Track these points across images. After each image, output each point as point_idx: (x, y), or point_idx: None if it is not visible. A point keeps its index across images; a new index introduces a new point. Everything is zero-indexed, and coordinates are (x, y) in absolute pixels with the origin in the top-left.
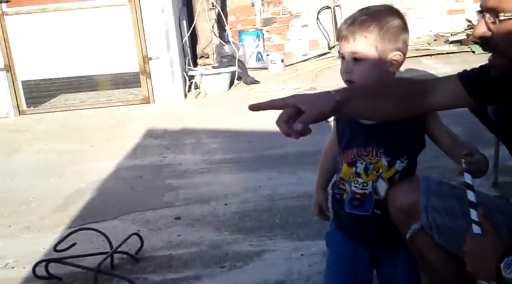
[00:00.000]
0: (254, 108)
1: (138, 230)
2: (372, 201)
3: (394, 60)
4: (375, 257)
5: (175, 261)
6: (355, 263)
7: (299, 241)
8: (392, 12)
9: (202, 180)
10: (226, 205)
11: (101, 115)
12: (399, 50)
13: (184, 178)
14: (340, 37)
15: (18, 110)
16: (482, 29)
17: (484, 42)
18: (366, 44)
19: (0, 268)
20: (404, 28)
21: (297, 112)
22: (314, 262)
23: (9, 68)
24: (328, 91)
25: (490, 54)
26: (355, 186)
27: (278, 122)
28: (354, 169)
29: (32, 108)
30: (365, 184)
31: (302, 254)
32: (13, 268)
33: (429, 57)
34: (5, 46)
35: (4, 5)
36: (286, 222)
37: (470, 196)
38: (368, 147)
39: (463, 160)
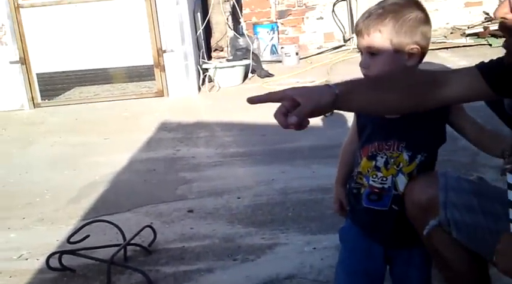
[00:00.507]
0: (252, 101)
1: (151, 223)
2: (391, 196)
3: (412, 53)
4: (388, 254)
5: (187, 253)
6: (368, 259)
7: (312, 235)
8: (412, 4)
9: (215, 173)
10: (239, 198)
11: (115, 108)
12: (417, 43)
13: (197, 171)
14: (356, 31)
15: (33, 103)
16: (504, 10)
17: (504, 25)
18: (381, 38)
19: (14, 259)
20: (424, 21)
21: (294, 105)
22: (326, 255)
23: (24, 61)
24: (328, 84)
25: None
26: (373, 180)
27: (276, 115)
28: (373, 163)
29: (46, 100)
30: (384, 179)
31: (314, 248)
32: (27, 259)
33: (445, 50)
34: (20, 39)
35: None
36: (299, 216)
37: (511, 196)
38: (389, 141)
39: (505, 159)
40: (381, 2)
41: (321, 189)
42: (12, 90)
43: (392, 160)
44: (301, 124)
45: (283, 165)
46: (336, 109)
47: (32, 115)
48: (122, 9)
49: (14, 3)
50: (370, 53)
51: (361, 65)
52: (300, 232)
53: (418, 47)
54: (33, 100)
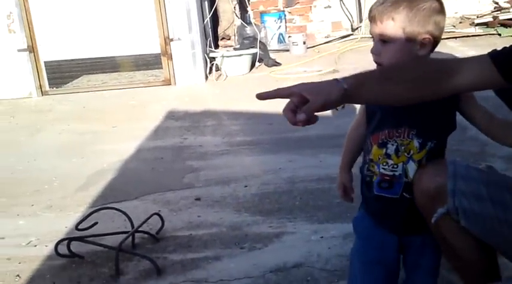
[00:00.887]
0: (261, 96)
1: (159, 211)
2: (402, 183)
3: (424, 42)
4: (402, 242)
5: (195, 241)
6: (382, 249)
7: (319, 224)
8: None
9: (222, 162)
10: (246, 187)
11: (122, 96)
12: (429, 33)
13: (204, 160)
14: (369, 17)
15: (41, 91)
16: None
17: None
18: (393, 26)
19: (23, 246)
20: (438, 10)
21: (303, 101)
22: (334, 244)
23: (32, 49)
24: (337, 79)
25: None
26: (383, 168)
27: (284, 111)
28: (384, 150)
29: (54, 88)
30: (395, 166)
31: (322, 237)
32: (35, 246)
33: (454, 39)
34: (28, 27)
35: None
36: (306, 204)
37: None
38: (400, 128)
39: None
40: None
41: (329, 178)
42: (20, 78)
43: (403, 147)
44: (310, 121)
45: (291, 154)
46: (345, 103)
47: (39, 103)
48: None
49: None
50: (382, 40)
51: (373, 51)
52: (307, 221)
53: (430, 36)
54: (41, 88)
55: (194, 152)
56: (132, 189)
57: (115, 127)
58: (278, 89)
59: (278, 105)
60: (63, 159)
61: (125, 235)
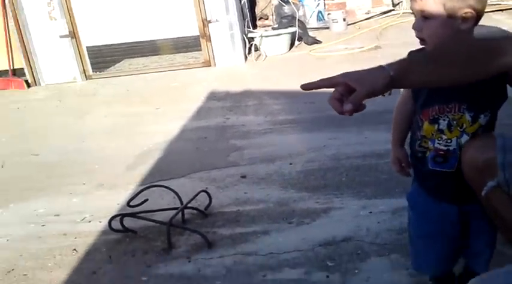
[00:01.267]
0: (306, 87)
1: (206, 188)
2: (456, 157)
3: (465, 17)
4: (462, 212)
5: (243, 217)
6: (441, 220)
7: (367, 199)
8: None
9: (265, 140)
10: (291, 164)
11: (163, 79)
12: (471, 7)
13: (248, 139)
14: None
15: (85, 75)
16: None
17: None
18: (433, 2)
19: (78, 222)
20: None
21: (348, 90)
22: (383, 219)
23: (73, 35)
24: (382, 66)
25: None
26: (438, 143)
27: (330, 101)
28: (436, 126)
29: (97, 72)
30: (449, 141)
31: (370, 212)
32: (90, 222)
33: (500, 12)
34: (69, 13)
35: None
36: (353, 180)
37: None
38: (450, 103)
39: None
40: None
41: (375, 154)
42: (64, 63)
43: (455, 122)
44: (357, 110)
45: (334, 131)
46: (392, 89)
47: (84, 87)
48: None
49: None
50: (423, 16)
51: (414, 27)
52: (355, 197)
53: (472, 10)
54: (84, 72)
55: (237, 131)
56: (179, 167)
57: (158, 109)
58: (322, 80)
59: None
60: (110, 140)
61: (174, 211)
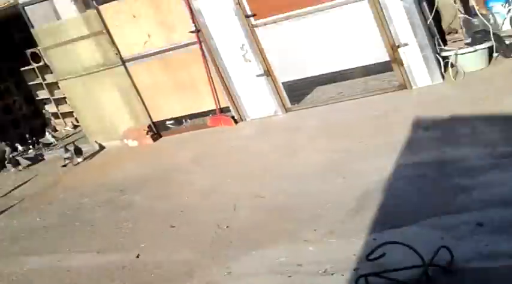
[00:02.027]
0: None
1: (442, 238)
2: None
3: None
4: None
5: (493, 275)
6: None
7: None
8: None
9: (492, 178)
10: None
11: (360, 106)
12: None
13: (472, 177)
14: None
15: (284, 108)
16: None
17: None
18: None
19: (320, 273)
20: None
21: None
22: None
23: (268, 73)
24: None
25: None
26: None
27: None
28: None
29: (295, 104)
30: None
31: None
32: (332, 274)
33: None
34: (261, 54)
35: (252, 18)
36: None
37: None
38: None
39: None
40: None
41: None
42: (263, 99)
43: None
44: None
45: None
46: None
47: (285, 120)
48: (347, 15)
49: (248, 25)
50: None
51: None
52: None
53: None
54: (284, 105)
55: (457, 168)
56: (406, 212)
57: (361, 142)
58: None
59: None
60: (326, 181)
61: (417, 270)
